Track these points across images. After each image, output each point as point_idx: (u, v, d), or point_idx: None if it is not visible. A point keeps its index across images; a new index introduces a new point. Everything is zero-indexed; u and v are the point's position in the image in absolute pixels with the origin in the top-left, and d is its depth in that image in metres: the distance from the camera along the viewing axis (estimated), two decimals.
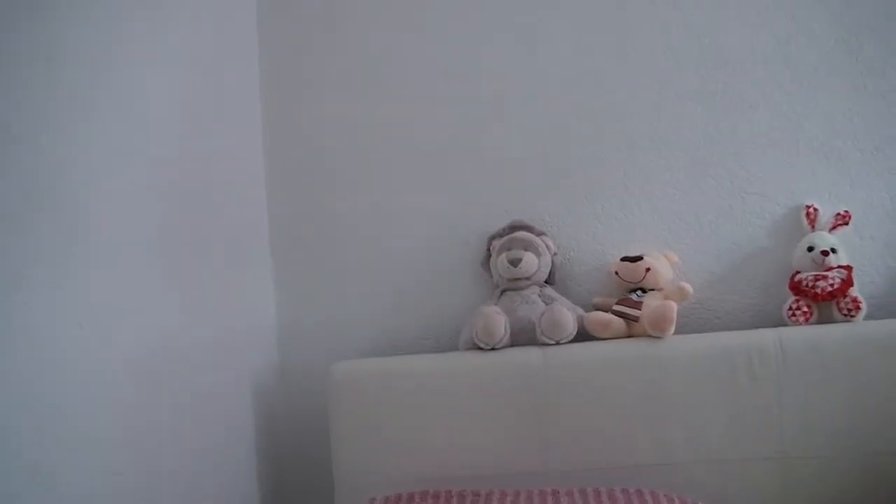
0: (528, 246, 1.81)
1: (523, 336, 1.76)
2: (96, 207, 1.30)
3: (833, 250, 1.77)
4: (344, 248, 1.97)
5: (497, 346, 1.74)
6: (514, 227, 1.86)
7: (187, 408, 1.55)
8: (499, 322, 1.73)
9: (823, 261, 1.76)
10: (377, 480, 1.68)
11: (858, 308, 1.71)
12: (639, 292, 1.78)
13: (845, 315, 1.71)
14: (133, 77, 1.43)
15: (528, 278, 1.81)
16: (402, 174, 1.96)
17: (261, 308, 1.95)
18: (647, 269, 1.78)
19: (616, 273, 1.82)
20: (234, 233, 1.83)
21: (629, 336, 1.75)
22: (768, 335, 1.69)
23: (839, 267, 1.76)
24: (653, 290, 1.79)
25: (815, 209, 1.82)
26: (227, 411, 1.74)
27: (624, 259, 1.80)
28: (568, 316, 1.73)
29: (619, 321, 1.75)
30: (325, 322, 1.96)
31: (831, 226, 1.81)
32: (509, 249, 1.81)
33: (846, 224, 1.81)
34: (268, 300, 1.97)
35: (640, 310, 1.74)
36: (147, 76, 1.49)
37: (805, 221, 1.82)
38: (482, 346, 1.74)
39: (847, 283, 1.73)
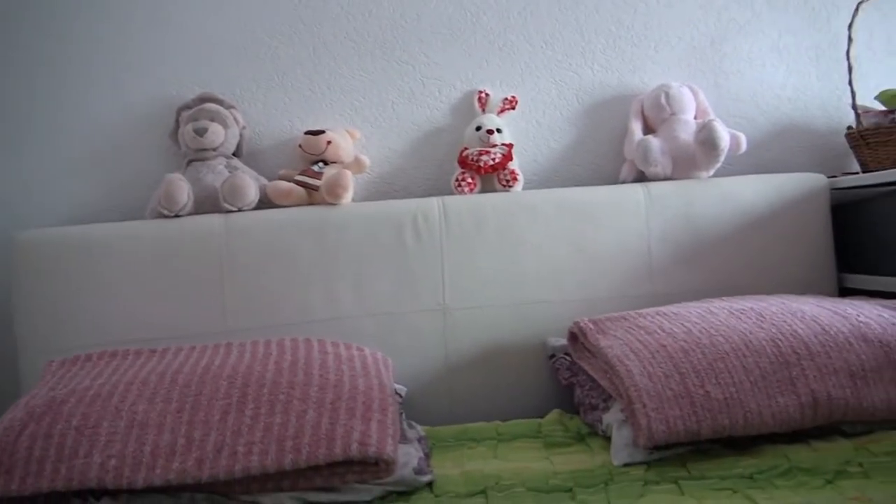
0: (214, 117, 1.85)
1: (208, 204, 1.81)
2: None
3: (499, 130, 1.96)
4: (32, 115, 1.91)
5: (181, 213, 1.78)
6: (203, 99, 1.89)
7: None
8: (181, 188, 1.77)
9: (489, 138, 1.95)
10: (61, 347, 1.70)
11: (515, 179, 1.92)
12: (321, 164, 1.89)
13: (504, 185, 1.92)
14: None
15: (214, 149, 1.85)
16: (98, 41, 1.92)
17: None
18: (329, 143, 1.88)
19: (300, 146, 1.90)
20: None
21: (310, 204, 1.85)
22: (433, 202, 1.84)
23: (502, 144, 1.95)
24: (334, 162, 1.90)
25: (487, 94, 2.00)
26: None
27: (307, 133, 1.89)
28: (249, 182, 1.79)
29: (301, 190, 1.84)
30: (12, 190, 1.91)
31: (499, 109, 2.00)
32: (196, 120, 1.84)
33: (513, 108, 2.01)
34: None
35: (320, 180, 1.84)
36: None
37: (477, 105, 2.00)
38: (165, 212, 1.77)
39: (507, 157, 1.93)
